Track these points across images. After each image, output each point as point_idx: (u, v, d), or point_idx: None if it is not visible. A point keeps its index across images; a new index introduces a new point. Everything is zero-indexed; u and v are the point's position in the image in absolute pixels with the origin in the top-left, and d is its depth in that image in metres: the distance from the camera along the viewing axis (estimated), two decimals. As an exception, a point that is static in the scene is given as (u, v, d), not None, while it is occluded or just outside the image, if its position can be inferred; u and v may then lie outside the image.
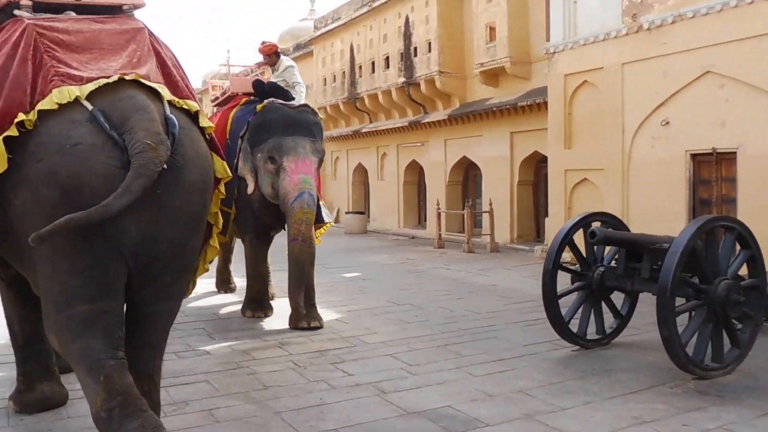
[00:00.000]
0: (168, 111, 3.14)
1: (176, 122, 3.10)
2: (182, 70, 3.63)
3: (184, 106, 3.29)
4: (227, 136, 6.67)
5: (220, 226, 3.75)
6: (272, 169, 6.13)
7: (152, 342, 3.31)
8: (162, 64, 3.45)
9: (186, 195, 3.08)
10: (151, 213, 2.96)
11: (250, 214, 6.51)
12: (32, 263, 3.09)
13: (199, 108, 3.41)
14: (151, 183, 2.84)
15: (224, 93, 7.94)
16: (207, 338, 5.92)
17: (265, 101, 6.53)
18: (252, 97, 7.02)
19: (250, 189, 6.30)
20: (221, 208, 3.80)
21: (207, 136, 3.42)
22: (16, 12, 3.45)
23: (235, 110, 6.94)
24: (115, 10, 3.63)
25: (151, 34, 3.54)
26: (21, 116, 2.97)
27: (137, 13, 3.75)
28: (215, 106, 8.31)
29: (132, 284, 3.08)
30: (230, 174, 3.65)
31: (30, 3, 3.47)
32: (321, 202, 6.73)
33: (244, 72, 8.35)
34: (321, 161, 6.40)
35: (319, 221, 6.58)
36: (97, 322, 2.94)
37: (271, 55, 7.36)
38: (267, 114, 6.33)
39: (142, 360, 3.21)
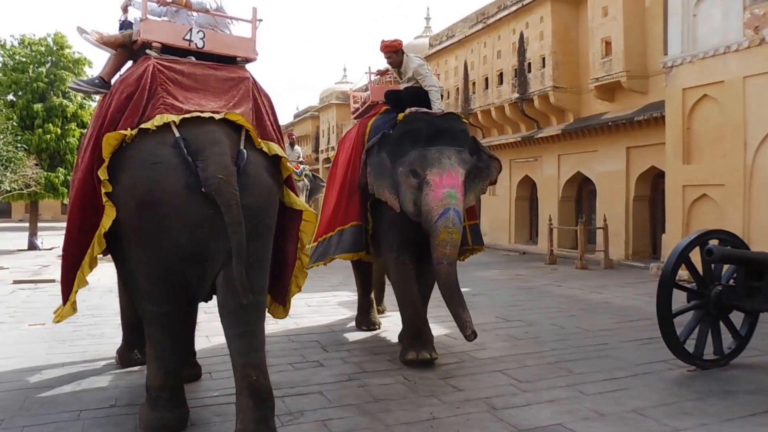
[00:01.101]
0: (242, 146, 3.72)
1: (245, 156, 3.67)
2: (274, 116, 4.24)
3: (263, 147, 3.85)
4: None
5: (306, 252, 4.40)
6: (415, 184, 5.33)
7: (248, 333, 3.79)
8: (256, 109, 4.04)
9: (245, 213, 3.53)
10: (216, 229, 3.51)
11: (395, 231, 5.76)
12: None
13: (278, 151, 3.95)
14: (239, 209, 3.43)
15: (365, 103, 7.41)
16: (320, 351, 6.06)
17: (407, 110, 5.79)
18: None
19: (396, 208, 5.50)
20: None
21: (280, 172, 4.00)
22: (147, 51, 4.12)
23: (373, 120, 6.30)
24: (230, 60, 4.25)
25: (254, 83, 4.15)
26: (125, 132, 3.64)
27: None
28: (355, 118, 7.65)
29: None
30: (307, 207, 4.21)
31: (159, 45, 4.11)
32: (472, 222, 6.12)
33: (379, 81, 7.48)
34: (469, 172, 5.47)
35: (465, 243, 5.74)
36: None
37: (396, 53, 6.12)
38: (408, 124, 5.60)
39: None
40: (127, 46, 4.44)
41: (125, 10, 4.71)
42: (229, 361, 5.36)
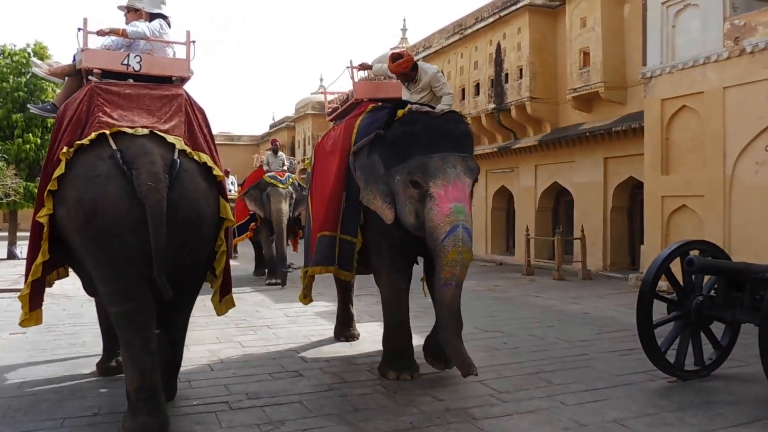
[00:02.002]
0: (176, 156, 4.15)
1: (178, 165, 4.10)
2: (208, 128, 4.69)
3: (195, 157, 4.30)
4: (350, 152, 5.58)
5: (225, 250, 4.63)
6: (415, 194, 4.83)
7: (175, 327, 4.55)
8: (188, 123, 4.47)
9: (179, 221, 3.99)
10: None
11: (385, 245, 5.38)
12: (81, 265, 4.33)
13: (208, 160, 4.39)
14: (163, 216, 3.84)
15: (345, 101, 6.76)
16: (299, 361, 6.06)
17: (406, 108, 5.24)
18: (379, 104, 5.94)
19: (388, 218, 5.08)
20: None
21: (218, 181, 4.45)
22: (89, 77, 4.62)
23: (360, 120, 5.69)
24: (166, 80, 4.69)
25: (187, 99, 4.59)
26: (64, 149, 4.09)
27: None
28: (333, 119, 7.03)
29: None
30: (231, 218, 4.61)
31: (100, 72, 4.59)
32: None
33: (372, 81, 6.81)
34: (475, 182, 5.04)
35: None
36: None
37: (414, 68, 5.46)
38: (406, 125, 5.02)
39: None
40: (75, 75, 4.94)
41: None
42: (209, 371, 5.67)
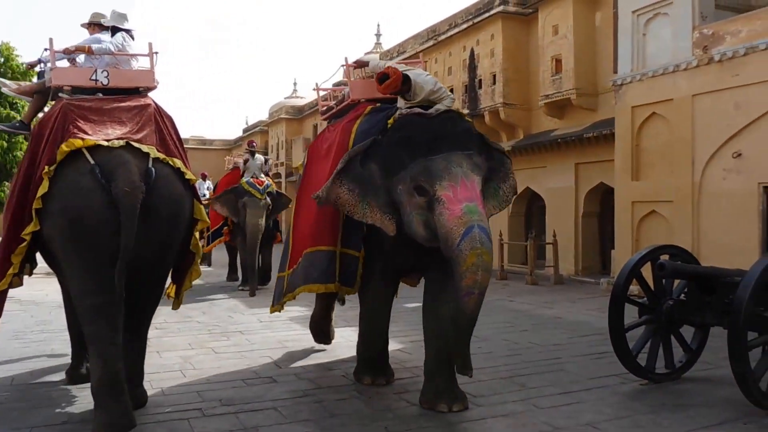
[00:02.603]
0: (150, 164, 4.36)
1: (153, 173, 4.33)
2: (177, 135, 4.92)
3: (170, 162, 4.53)
4: None
5: (201, 254, 4.94)
6: (422, 202, 4.41)
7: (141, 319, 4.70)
8: (159, 131, 4.68)
9: (157, 224, 4.27)
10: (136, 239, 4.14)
11: (378, 254, 5.09)
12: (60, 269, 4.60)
13: (181, 164, 4.63)
14: (136, 219, 4.09)
15: (341, 101, 6.26)
16: (274, 367, 6.03)
17: (397, 112, 4.99)
18: (378, 104, 5.54)
19: (390, 231, 4.69)
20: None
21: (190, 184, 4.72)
22: (60, 94, 4.84)
23: (359, 123, 5.34)
24: (133, 92, 4.91)
25: (156, 108, 4.81)
26: (46, 168, 4.28)
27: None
28: (328, 119, 6.53)
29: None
30: (206, 219, 4.83)
31: (69, 88, 4.82)
32: None
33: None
34: (484, 178, 4.65)
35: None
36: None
37: (405, 82, 4.96)
38: (401, 130, 4.68)
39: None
40: (43, 92, 5.13)
41: (33, 66, 5.48)
42: (181, 378, 5.59)
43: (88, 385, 5.02)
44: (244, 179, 11.98)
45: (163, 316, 8.56)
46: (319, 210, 5.20)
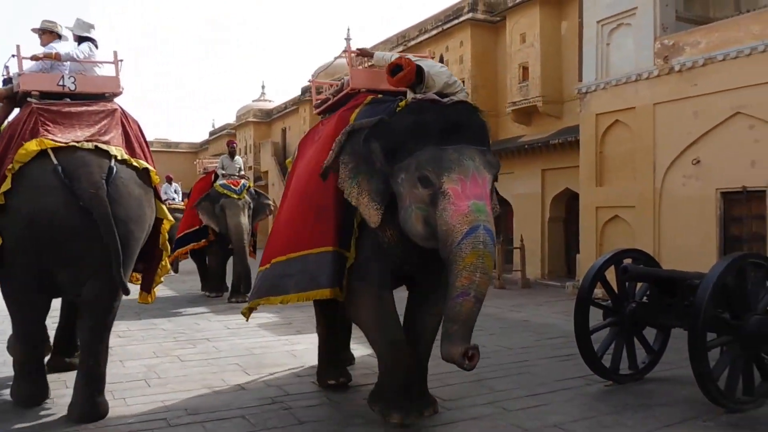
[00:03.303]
0: (113, 164, 4.52)
1: (114, 171, 4.49)
2: (144, 137, 5.13)
3: (135, 163, 4.71)
4: None
5: (169, 251, 5.09)
6: (425, 195, 3.96)
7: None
8: (125, 134, 4.88)
9: (116, 222, 4.33)
10: (85, 237, 4.31)
11: (374, 256, 4.51)
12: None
13: (147, 165, 4.84)
14: (110, 217, 4.25)
15: (339, 90, 5.68)
16: (242, 374, 5.96)
17: (409, 97, 4.54)
18: (380, 95, 5.12)
19: (372, 221, 4.24)
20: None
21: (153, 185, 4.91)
22: (29, 99, 4.94)
23: (357, 112, 4.89)
24: (99, 97, 5.09)
25: (122, 113, 5.02)
26: (10, 165, 4.38)
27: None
28: (322, 113, 6.03)
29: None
30: (170, 218, 5.03)
31: (38, 93, 4.94)
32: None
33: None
34: (495, 180, 4.27)
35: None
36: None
37: (419, 73, 4.68)
38: (414, 114, 4.23)
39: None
40: (10, 98, 5.20)
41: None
42: (145, 387, 5.49)
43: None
44: (218, 182, 11.18)
45: (126, 323, 8.44)
46: (303, 207, 4.83)
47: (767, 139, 8.42)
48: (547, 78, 13.55)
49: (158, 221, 4.97)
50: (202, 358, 6.61)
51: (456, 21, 15.59)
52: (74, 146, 4.50)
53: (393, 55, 5.27)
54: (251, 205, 11.08)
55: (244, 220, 10.83)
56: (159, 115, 77.67)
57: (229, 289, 11.39)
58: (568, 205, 13.93)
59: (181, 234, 11.70)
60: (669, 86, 9.70)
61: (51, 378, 5.18)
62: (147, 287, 5.24)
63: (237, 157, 11.85)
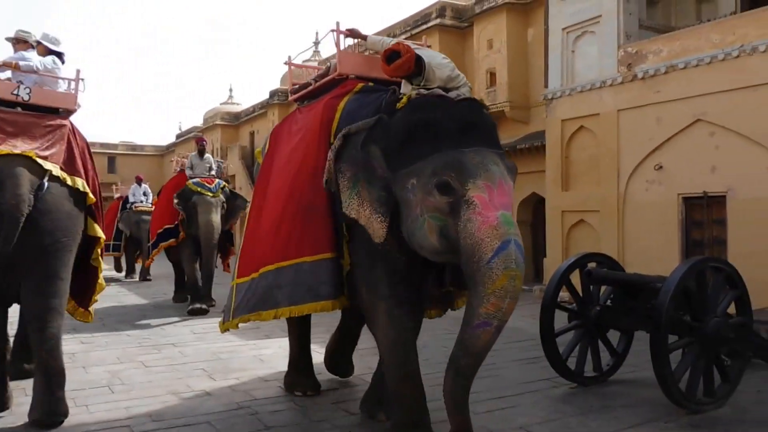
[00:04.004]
0: (45, 180, 4.56)
1: (45, 187, 4.56)
2: (90, 155, 5.18)
3: (69, 182, 4.75)
4: (332, 141, 4.21)
5: (102, 269, 5.16)
6: (443, 204, 3.49)
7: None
8: (69, 150, 4.92)
9: (39, 236, 4.47)
10: (17, 245, 4.35)
11: (383, 270, 4.00)
12: None
13: (82, 185, 4.85)
14: (17, 229, 4.29)
15: (323, 76, 5.10)
16: (208, 379, 5.88)
17: (412, 91, 4.04)
18: (371, 84, 4.64)
19: (377, 235, 3.76)
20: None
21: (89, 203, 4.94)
22: None
23: (346, 101, 4.43)
24: (53, 111, 5.11)
25: (71, 129, 5.06)
26: None
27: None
28: (300, 99, 5.42)
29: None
30: (101, 235, 5.05)
31: None
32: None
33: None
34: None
35: None
36: None
37: (418, 60, 4.15)
38: (421, 111, 3.75)
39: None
40: None
41: None
42: (109, 393, 5.44)
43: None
44: (191, 180, 10.45)
45: (89, 329, 8.26)
46: (287, 210, 4.37)
47: (727, 146, 8.65)
48: (514, 84, 13.72)
49: (93, 240, 5.06)
50: (167, 364, 6.52)
51: (424, 26, 15.68)
52: (9, 155, 4.51)
53: (389, 40, 4.81)
54: (224, 205, 10.43)
55: (216, 218, 10.17)
56: (124, 118, 76.45)
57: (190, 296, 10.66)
58: (535, 209, 14.08)
59: (160, 230, 10.99)
60: (632, 93, 9.90)
61: (12, 385, 5.04)
62: (85, 304, 5.26)
63: (207, 155, 11.11)
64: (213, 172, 10.90)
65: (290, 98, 5.57)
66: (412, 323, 4.10)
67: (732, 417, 4.68)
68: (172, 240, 10.77)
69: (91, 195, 4.95)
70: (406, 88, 4.23)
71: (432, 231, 3.55)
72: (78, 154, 5.01)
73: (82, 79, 5.28)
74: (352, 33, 5.06)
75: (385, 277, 4.00)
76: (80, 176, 4.90)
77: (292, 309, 4.27)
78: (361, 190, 3.82)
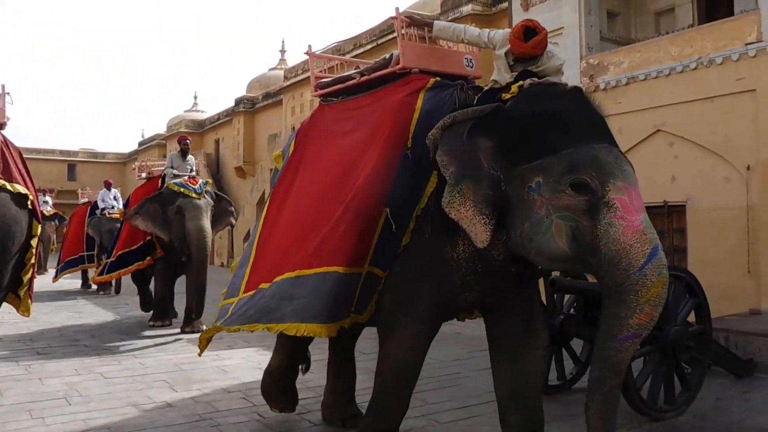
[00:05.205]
0: None
1: None
2: (22, 164, 5.36)
3: (9, 188, 4.99)
4: (409, 144, 3.77)
5: (33, 263, 5.31)
6: (580, 204, 3.10)
7: None
8: (4, 160, 5.10)
9: None
10: None
11: (431, 288, 3.75)
12: None
13: (22, 189, 5.10)
14: None
15: (376, 69, 4.50)
16: (169, 390, 5.80)
17: (521, 81, 3.62)
18: (440, 78, 4.10)
19: (480, 239, 3.31)
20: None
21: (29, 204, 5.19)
22: None
23: (423, 97, 3.94)
24: None
25: (4, 141, 5.22)
26: None
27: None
28: (326, 94, 4.82)
29: None
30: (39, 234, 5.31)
31: None
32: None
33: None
34: None
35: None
36: None
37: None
38: (540, 101, 3.38)
39: None
40: None
41: None
42: (66, 405, 5.30)
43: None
44: (172, 181, 9.16)
45: (46, 340, 8.07)
46: (356, 213, 3.74)
47: (686, 156, 8.85)
48: (480, 93, 13.82)
49: (31, 237, 5.30)
50: (127, 375, 6.39)
51: (390, 36, 15.72)
52: None
53: (461, 27, 4.39)
54: (212, 210, 9.14)
55: (207, 224, 8.82)
56: (85, 125, 75.00)
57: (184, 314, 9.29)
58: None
59: (121, 252, 9.82)
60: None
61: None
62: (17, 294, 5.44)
63: (189, 156, 9.80)
64: (193, 174, 9.61)
65: (315, 93, 4.91)
66: (428, 344, 3.96)
67: (692, 424, 4.76)
68: (148, 259, 9.58)
69: (33, 198, 5.22)
70: (500, 77, 3.83)
71: (561, 234, 3.13)
72: (13, 163, 5.26)
73: (8, 93, 5.54)
74: (413, 21, 4.48)
75: (428, 299, 3.73)
76: (19, 183, 5.16)
77: (301, 326, 3.72)
78: (465, 187, 3.34)
